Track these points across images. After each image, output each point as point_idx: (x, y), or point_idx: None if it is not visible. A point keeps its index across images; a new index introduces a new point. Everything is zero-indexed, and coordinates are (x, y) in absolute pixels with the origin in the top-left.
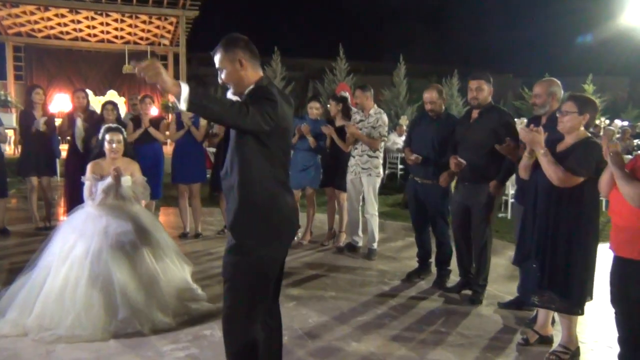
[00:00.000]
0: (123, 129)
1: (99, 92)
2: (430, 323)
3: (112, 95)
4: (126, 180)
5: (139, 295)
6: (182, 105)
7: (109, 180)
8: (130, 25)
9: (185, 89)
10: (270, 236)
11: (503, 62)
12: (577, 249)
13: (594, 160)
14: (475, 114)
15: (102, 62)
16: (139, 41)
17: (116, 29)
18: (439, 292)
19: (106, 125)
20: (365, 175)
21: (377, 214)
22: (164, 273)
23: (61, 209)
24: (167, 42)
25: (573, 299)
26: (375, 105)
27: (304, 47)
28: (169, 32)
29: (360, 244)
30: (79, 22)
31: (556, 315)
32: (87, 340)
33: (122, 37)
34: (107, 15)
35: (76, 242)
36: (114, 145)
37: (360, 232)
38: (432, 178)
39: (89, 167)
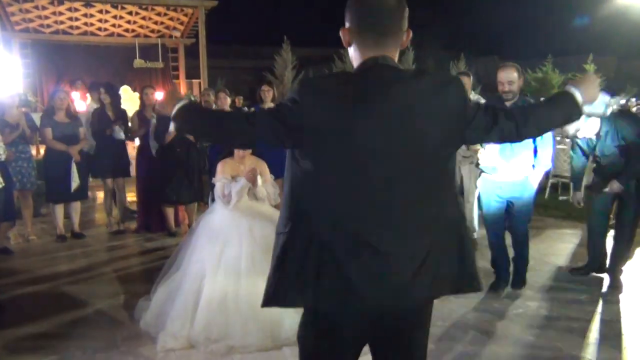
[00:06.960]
0: None
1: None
2: None
3: (125, 91)
4: (260, 181)
5: None
6: (171, 126)
7: (243, 181)
8: (143, 18)
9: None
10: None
11: (492, 44)
12: None
13: None
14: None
15: (112, 56)
16: (149, 34)
17: (128, 22)
18: None
19: None
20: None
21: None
22: None
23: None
24: (178, 34)
25: None
26: None
27: (313, 36)
28: (181, 23)
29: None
30: (91, 15)
31: None
32: (260, 350)
33: (132, 31)
34: (122, 8)
35: (224, 248)
36: None
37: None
38: None
39: (219, 167)
